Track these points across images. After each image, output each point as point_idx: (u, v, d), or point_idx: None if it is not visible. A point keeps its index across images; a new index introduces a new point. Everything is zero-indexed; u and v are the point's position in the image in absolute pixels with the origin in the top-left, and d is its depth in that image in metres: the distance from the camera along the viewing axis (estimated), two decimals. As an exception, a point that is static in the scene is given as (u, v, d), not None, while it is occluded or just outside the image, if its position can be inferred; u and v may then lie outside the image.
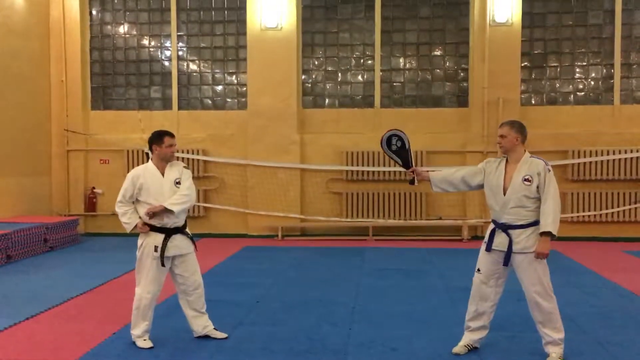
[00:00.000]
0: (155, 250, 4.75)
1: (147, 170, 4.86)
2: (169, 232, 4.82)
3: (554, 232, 4.20)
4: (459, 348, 4.62)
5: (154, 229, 4.80)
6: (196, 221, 11.60)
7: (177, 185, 4.86)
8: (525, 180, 4.32)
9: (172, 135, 4.95)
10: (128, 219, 4.82)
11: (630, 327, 5.34)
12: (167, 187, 4.81)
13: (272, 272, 7.98)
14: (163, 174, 4.86)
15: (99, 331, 5.24)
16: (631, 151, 10.63)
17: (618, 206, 10.73)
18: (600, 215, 10.78)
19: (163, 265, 4.79)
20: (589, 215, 10.79)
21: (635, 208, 10.68)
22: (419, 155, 10.93)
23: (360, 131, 11.34)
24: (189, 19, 11.81)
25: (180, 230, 4.91)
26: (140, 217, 4.82)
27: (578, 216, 10.79)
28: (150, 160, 4.94)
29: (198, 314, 5.01)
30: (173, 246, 4.82)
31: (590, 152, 10.74)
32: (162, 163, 4.90)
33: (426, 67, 11.52)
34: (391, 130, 4.83)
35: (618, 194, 10.75)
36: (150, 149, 4.92)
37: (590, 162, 10.75)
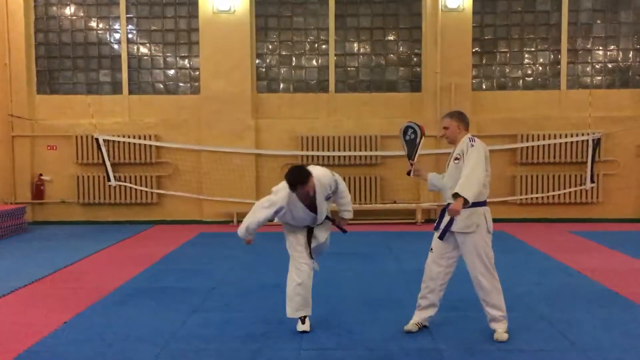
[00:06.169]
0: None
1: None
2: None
3: (463, 195, 4.27)
4: (410, 326, 4.75)
5: None
6: (150, 208, 11.44)
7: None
8: (455, 159, 4.54)
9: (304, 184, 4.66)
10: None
11: (576, 305, 5.55)
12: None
13: (227, 258, 7.93)
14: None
15: (49, 321, 5.11)
16: (577, 135, 10.98)
17: (564, 188, 11.09)
18: (548, 197, 11.12)
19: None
20: (536, 197, 11.12)
21: (581, 190, 11.06)
22: (373, 140, 11.04)
23: (315, 116, 11.34)
24: (138, 1, 11.51)
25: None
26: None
27: (526, 198, 11.11)
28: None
29: None
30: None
31: (538, 136, 11.04)
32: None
33: (380, 52, 11.58)
34: (411, 122, 4.97)
35: (564, 176, 11.10)
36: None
37: (538, 146, 11.06)
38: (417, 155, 4.88)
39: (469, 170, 4.37)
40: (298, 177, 4.62)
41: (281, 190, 4.74)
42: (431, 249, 4.71)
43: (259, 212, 4.82)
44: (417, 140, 4.86)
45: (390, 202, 11.26)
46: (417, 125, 4.91)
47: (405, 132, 4.94)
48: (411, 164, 4.88)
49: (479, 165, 4.39)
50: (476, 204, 4.43)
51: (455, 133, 4.61)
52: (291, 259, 4.91)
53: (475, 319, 4.97)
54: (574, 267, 7.20)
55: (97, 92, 11.59)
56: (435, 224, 4.70)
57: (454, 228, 4.50)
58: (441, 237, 4.58)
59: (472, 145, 4.47)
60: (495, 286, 4.53)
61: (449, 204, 4.53)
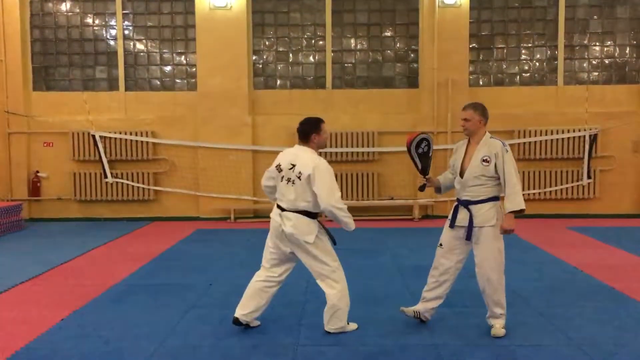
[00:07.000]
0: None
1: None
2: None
3: (524, 207, 4.38)
4: (407, 309, 4.78)
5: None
6: (146, 205, 11.42)
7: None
8: (484, 160, 4.48)
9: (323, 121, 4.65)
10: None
11: (573, 300, 5.57)
12: None
13: (224, 255, 7.93)
14: None
15: (46, 318, 5.11)
16: (574, 131, 10.98)
17: (562, 184, 11.10)
18: (545, 192, 11.13)
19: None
20: (534, 193, 11.13)
21: (577, 186, 11.08)
22: (370, 136, 11.03)
23: (312, 112, 11.16)
24: (134, -3, 11.48)
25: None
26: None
27: (524, 194, 11.08)
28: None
29: None
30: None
31: (535, 131, 11.05)
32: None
33: (377, 48, 11.56)
34: (424, 134, 4.76)
35: (561, 172, 11.12)
36: (308, 136, 4.55)
37: (535, 142, 11.06)
38: (429, 168, 4.79)
39: (516, 181, 4.40)
40: (317, 118, 4.57)
41: (316, 158, 4.46)
42: (440, 244, 4.68)
43: (336, 189, 4.44)
44: (430, 153, 4.76)
45: (387, 198, 11.26)
46: (429, 136, 4.79)
47: (419, 144, 4.70)
48: (427, 179, 4.79)
49: (516, 172, 4.44)
50: (495, 198, 4.50)
51: (476, 126, 4.58)
52: (336, 274, 4.63)
53: (473, 314, 4.98)
54: (570, 262, 7.22)
55: (94, 89, 11.56)
56: (449, 221, 4.63)
57: (476, 222, 4.47)
58: (468, 238, 4.51)
59: (507, 151, 4.46)
60: (501, 283, 4.54)
61: (465, 200, 4.54)
